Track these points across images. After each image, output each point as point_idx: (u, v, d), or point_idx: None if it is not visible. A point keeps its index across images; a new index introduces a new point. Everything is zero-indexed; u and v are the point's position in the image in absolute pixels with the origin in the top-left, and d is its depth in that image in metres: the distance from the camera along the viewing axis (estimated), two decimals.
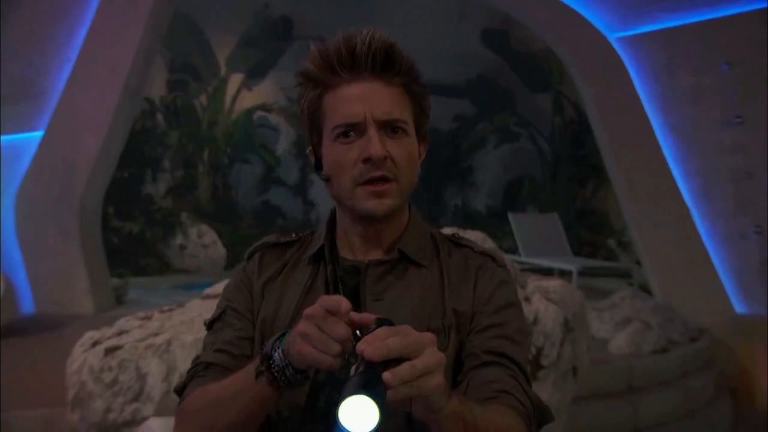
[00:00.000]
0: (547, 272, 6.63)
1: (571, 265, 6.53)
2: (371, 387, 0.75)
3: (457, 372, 1.05)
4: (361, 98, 1.04)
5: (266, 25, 10.02)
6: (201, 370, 1.10)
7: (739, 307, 5.68)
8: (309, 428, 1.03)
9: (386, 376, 0.77)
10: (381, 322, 0.86)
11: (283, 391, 0.95)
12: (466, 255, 1.14)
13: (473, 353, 1.04)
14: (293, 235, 1.19)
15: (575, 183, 9.95)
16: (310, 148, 1.13)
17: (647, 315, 4.73)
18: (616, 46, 5.91)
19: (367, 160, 1.04)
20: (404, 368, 0.78)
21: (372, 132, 1.04)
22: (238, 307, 1.13)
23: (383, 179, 1.05)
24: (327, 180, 1.09)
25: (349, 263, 1.11)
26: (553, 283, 3.62)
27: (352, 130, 1.05)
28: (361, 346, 0.80)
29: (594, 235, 9.57)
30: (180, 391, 1.11)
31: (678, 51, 5.75)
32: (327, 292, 1.09)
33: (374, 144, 1.03)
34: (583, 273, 6.71)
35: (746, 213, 5.62)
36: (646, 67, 5.86)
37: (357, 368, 0.79)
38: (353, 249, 1.12)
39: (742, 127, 5.54)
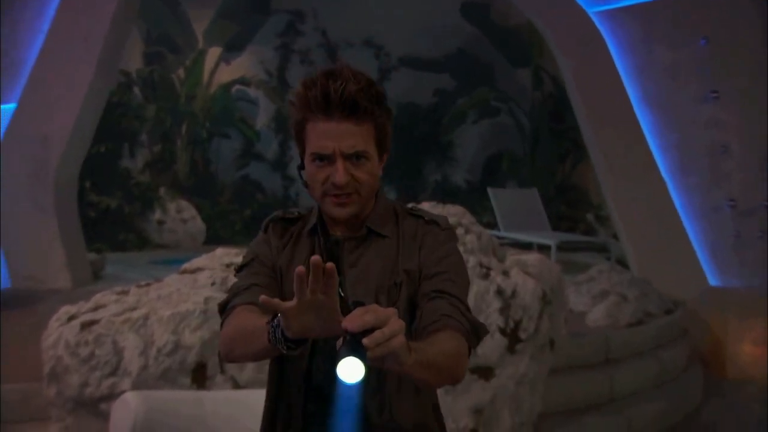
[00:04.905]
0: (527, 247, 6.68)
1: (550, 239, 6.59)
2: (356, 350, 1.06)
3: (411, 317, 1.36)
4: (333, 135, 1.32)
5: None
6: (243, 289, 1.38)
7: (712, 280, 5.77)
8: (317, 363, 1.37)
9: (365, 341, 1.05)
10: (356, 304, 1.13)
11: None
12: (417, 224, 1.44)
13: (424, 293, 1.37)
14: (296, 213, 1.49)
15: (555, 158, 9.97)
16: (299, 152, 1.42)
17: (624, 288, 4.79)
18: (595, 19, 5.89)
19: (333, 184, 1.34)
20: (377, 334, 1.07)
21: (339, 163, 1.33)
22: (264, 259, 1.44)
23: (346, 195, 1.35)
24: (305, 186, 1.40)
25: (334, 238, 1.43)
26: (532, 258, 3.66)
27: (324, 158, 1.34)
28: (344, 323, 1.08)
29: (573, 209, 9.62)
30: (223, 306, 1.40)
31: (656, 25, 5.75)
32: (323, 260, 1.37)
33: (340, 174, 1.33)
34: (562, 247, 6.77)
35: (720, 187, 5.68)
36: (624, 42, 5.86)
37: (344, 339, 1.08)
38: (334, 228, 1.44)
39: (718, 102, 5.58)
